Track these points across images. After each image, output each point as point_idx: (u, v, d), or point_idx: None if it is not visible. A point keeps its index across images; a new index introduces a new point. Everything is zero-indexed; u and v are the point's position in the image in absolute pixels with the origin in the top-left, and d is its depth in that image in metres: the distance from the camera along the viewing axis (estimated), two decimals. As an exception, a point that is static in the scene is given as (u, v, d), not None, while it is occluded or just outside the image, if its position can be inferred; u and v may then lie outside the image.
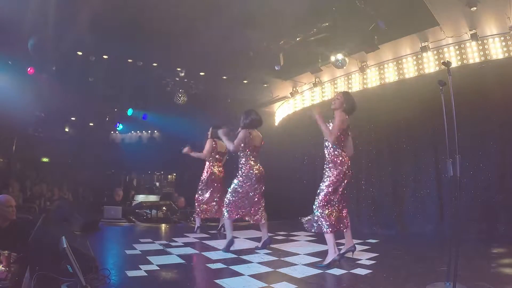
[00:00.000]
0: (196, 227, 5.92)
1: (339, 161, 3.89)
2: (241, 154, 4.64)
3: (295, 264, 3.84)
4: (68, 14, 5.91)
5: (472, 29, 5.85)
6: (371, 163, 7.04)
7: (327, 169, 3.95)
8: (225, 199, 4.65)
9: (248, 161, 4.61)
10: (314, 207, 3.89)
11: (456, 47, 6.27)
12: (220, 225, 6.00)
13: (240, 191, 4.57)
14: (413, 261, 4.08)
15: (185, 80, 9.23)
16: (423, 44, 6.46)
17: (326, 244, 4.17)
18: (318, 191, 3.92)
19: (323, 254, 4.24)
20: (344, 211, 4.01)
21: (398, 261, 4.16)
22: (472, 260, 3.68)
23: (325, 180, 3.93)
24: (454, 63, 6.11)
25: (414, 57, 6.84)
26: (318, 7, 5.90)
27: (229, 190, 4.64)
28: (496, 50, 5.86)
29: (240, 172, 4.62)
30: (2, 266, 2.73)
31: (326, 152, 4.00)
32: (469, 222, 5.22)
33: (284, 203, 8.78)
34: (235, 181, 4.61)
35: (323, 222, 3.79)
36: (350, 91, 7.93)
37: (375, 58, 7.29)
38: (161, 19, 6.13)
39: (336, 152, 3.92)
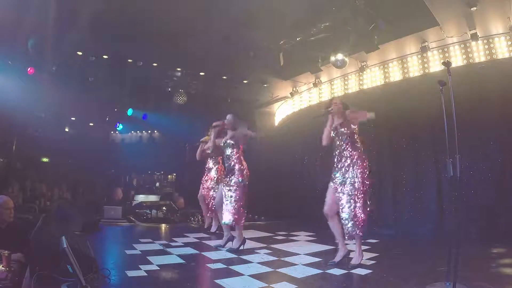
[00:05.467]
0: (215, 228, 5.87)
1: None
2: (236, 154, 4.60)
3: (295, 264, 3.84)
4: (68, 14, 5.91)
5: (472, 29, 5.84)
6: (371, 163, 7.00)
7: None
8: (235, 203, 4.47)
9: (243, 161, 4.60)
10: (359, 212, 3.70)
11: (456, 47, 6.26)
12: (216, 226, 5.96)
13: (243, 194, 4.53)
14: (413, 261, 4.08)
15: (185, 80, 9.23)
16: (423, 44, 6.46)
17: (325, 244, 4.18)
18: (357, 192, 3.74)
19: (323, 254, 4.25)
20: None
21: (398, 261, 4.16)
22: (472, 260, 3.68)
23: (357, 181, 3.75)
24: (454, 63, 6.10)
25: (414, 57, 6.84)
26: (318, 7, 5.90)
27: (233, 194, 4.50)
28: (496, 50, 5.86)
29: (239, 173, 4.52)
30: (2, 266, 2.73)
31: (355, 152, 3.84)
32: (469, 222, 5.21)
33: (284, 203, 8.79)
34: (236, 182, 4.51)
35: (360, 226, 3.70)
36: (349, 91, 7.95)
37: (375, 58, 7.29)
38: (161, 19, 6.13)
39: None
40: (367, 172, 3.78)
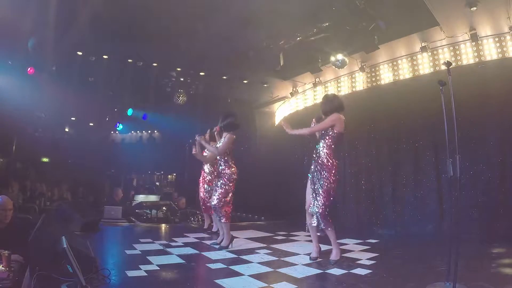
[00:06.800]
0: (216, 228, 5.72)
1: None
2: (222, 157, 4.71)
3: (295, 264, 3.84)
4: (68, 14, 5.91)
5: (472, 29, 5.84)
6: (371, 163, 7.04)
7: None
8: (218, 202, 4.64)
9: (230, 164, 4.71)
10: (320, 208, 3.87)
11: (456, 47, 6.25)
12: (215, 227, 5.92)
13: (229, 193, 4.68)
14: (413, 261, 4.08)
15: (185, 80, 9.23)
16: (423, 44, 6.45)
17: (325, 244, 4.19)
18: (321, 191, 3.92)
19: (323, 254, 4.24)
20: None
21: (398, 261, 4.16)
22: (472, 260, 3.68)
23: (324, 179, 3.94)
24: (454, 63, 6.10)
25: (414, 57, 6.83)
26: (318, 7, 5.90)
27: (217, 194, 4.67)
28: (497, 50, 5.85)
29: (225, 174, 4.69)
30: (2, 266, 2.73)
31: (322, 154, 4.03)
32: (469, 222, 5.21)
33: (283, 203, 8.78)
34: (222, 183, 4.67)
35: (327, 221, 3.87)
36: (350, 91, 7.93)
37: (375, 58, 7.28)
38: (161, 19, 6.13)
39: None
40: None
